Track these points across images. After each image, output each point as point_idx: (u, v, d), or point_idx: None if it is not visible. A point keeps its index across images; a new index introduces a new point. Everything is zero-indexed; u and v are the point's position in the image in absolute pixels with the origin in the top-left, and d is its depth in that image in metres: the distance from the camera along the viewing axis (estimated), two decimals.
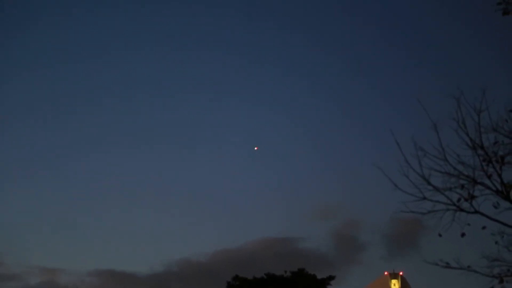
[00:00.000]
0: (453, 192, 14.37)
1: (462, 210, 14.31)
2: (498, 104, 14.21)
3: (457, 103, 14.39)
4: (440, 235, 14.31)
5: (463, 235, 14.17)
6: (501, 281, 14.00)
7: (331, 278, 59.27)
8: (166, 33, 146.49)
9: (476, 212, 14.27)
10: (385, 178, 14.99)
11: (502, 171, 14.04)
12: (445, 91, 14.85)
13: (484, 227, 14.18)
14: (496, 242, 14.24)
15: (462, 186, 14.28)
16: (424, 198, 14.52)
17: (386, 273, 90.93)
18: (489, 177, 14.11)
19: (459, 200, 14.30)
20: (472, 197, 14.22)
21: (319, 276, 59.05)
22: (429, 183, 14.53)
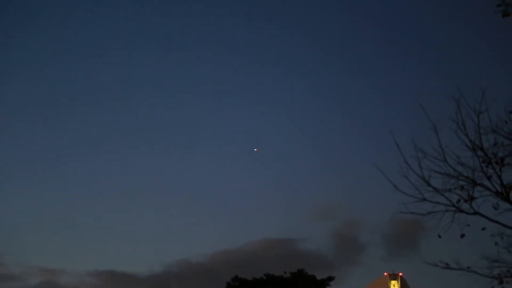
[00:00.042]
0: (453, 193, 14.39)
1: (461, 211, 14.32)
2: (498, 105, 14.24)
3: (457, 104, 14.42)
4: (439, 236, 14.32)
5: (462, 236, 14.18)
6: (501, 282, 14.00)
7: (331, 279, 59.34)
8: (166, 33, 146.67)
9: (475, 213, 14.28)
10: (385, 179, 15.03)
11: (501, 172, 14.06)
12: (445, 92, 14.88)
13: (483, 228, 14.19)
14: (496, 243, 14.25)
15: (462, 187, 14.29)
16: (424, 199, 14.53)
17: (385, 274, 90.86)
18: (489, 178, 14.12)
19: (458, 201, 14.31)
20: (472, 198, 14.23)
21: (318, 277, 59.15)
22: (428, 184, 14.55)
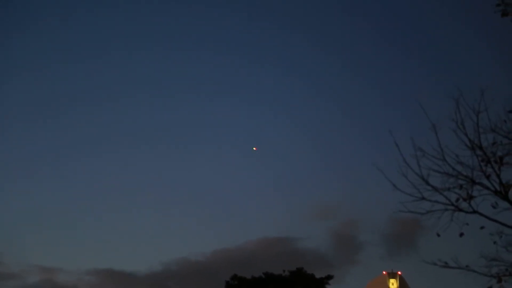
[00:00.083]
0: (452, 192, 14.45)
1: (460, 210, 14.37)
2: (497, 105, 14.29)
3: (456, 104, 14.47)
4: (438, 235, 14.37)
5: (461, 235, 14.21)
6: (499, 281, 14.05)
7: (330, 277, 59.27)
8: (166, 33, 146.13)
9: (474, 212, 14.32)
10: (385, 178, 15.07)
11: (500, 171, 14.11)
12: (445, 92, 14.93)
13: (482, 227, 14.23)
14: (495, 242, 14.29)
15: (461, 186, 14.34)
16: (423, 198, 14.58)
17: (384, 272, 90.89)
18: (488, 177, 14.16)
19: (457, 200, 14.35)
20: (471, 197, 14.28)
21: (317, 276, 59.08)
22: (427, 183, 14.60)
